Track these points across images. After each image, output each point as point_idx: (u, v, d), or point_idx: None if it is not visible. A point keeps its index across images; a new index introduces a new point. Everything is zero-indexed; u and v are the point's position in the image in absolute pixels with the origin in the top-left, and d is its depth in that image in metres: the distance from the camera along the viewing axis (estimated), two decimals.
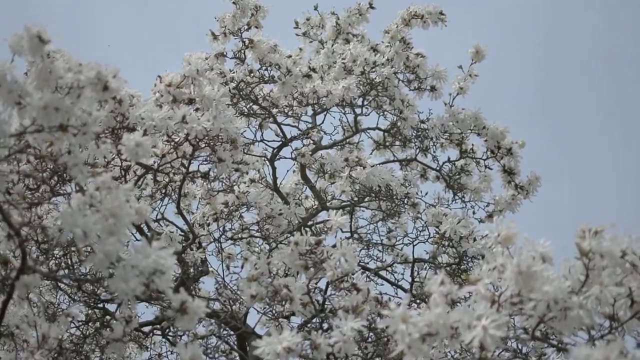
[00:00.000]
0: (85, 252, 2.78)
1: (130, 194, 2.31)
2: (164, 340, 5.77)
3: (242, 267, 3.12)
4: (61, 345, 2.88)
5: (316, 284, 3.34)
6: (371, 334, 3.29)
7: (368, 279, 5.09)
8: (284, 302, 2.99)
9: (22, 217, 2.47)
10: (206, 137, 3.29)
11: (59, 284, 4.96)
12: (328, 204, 5.38)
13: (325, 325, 3.26)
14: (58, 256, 3.50)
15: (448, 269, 5.17)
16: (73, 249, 3.48)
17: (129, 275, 2.13)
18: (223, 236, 5.23)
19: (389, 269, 5.91)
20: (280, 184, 5.59)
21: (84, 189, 2.43)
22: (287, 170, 5.95)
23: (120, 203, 2.23)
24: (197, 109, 3.33)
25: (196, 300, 2.32)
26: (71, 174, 2.41)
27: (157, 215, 5.42)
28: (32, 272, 2.31)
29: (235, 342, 4.28)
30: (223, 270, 5.23)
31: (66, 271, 3.39)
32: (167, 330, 5.60)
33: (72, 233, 2.11)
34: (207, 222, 5.03)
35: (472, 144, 5.77)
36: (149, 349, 5.46)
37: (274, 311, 3.16)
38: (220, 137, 3.35)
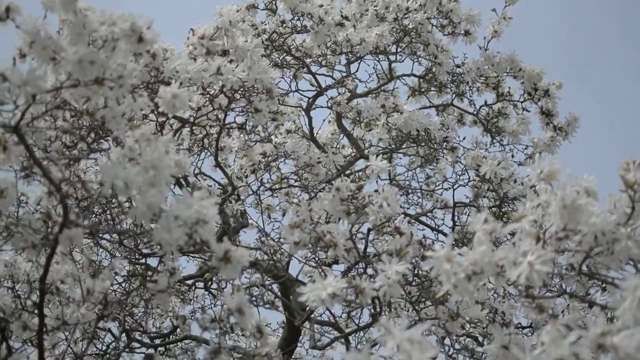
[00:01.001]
0: (127, 206, 2.79)
1: (169, 145, 2.30)
2: (206, 293, 5.81)
3: (283, 215, 3.12)
4: (106, 299, 2.89)
5: (358, 230, 3.33)
6: (415, 277, 3.28)
7: (409, 224, 5.07)
8: (327, 249, 2.98)
9: (62, 173, 2.48)
10: (241, 88, 3.27)
11: (100, 241, 5.00)
12: (366, 152, 5.36)
13: (369, 271, 3.26)
14: (98, 213, 3.52)
15: (489, 211, 5.15)
16: (114, 204, 3.50)
17: (172, 226, 2.13)
18: (262, 187, 5.24)
19: (429, 214, 5.90)
20: (317, 133, 5.58)
21: (123, 142, 2.43)
22: (323, 120, 5.94)
23: (159, 155, 2.23)
24: (231, 61, 3.32)
25: (239, 249, 2.32)
26: (109, 127, 2.41)
27: (194, 170, 5.43)
28: (74, 226, 2.31)
29: (279, 291, 4.30)
30: (263, 222, 5.25)
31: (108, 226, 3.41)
32: (210, 283, 5.64)
33: (113, 186, 2.11)
34: (245, 174, 5.03)
35: (509, 87, 5.73)
36: (191, 302, 5.50)
37: (317, 258, 3.16)
38: (255, 88, 3.34)
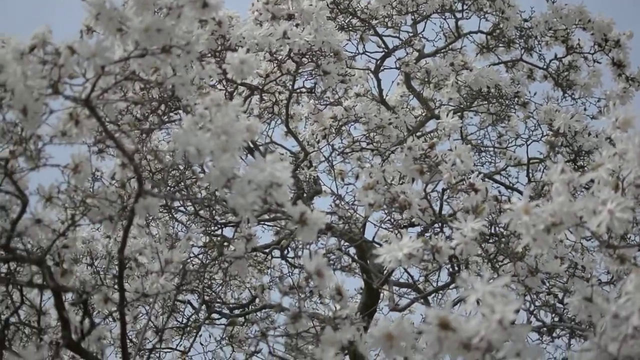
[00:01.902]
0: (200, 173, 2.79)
1: (239, 110, 2.29)
2: (283, 262, 5.83)
3: (356, 178, 3.10)
4: (185, 269, 2.90)
5: (432, 189, 3.30)
6: (492, 234, 3.25)
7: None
8: (401, 209, 2.96)
9: (135, 144, 2.48)
10: (309, 52, 3.26)
11: (175, 214, 5.03)
12: (436, 112, 5.31)
13: (445, 231, 3.23)
14: (172, 185, 3.54)
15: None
16: (187, 176, 3.51)
17: (246, 190, 2.12)
18: (333, 153, 5.22)
19: (503, 172, 5.84)
20: (386, 96, 5.54)
21: (193, 110, 2.42)
22: (392, 82, 5.90)
23: (230, 120, 2.22)
24: (297, 25, 3.30)
25: (315, 211, 2.31)
26: (179, 95, 2.41)
27: (265, 139, 5.44)
28: (149, 196, 2.32)
29: (356, 255, 4.29)
30: (337, 187, 5.24)
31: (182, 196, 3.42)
32: (286, 252, 5.65)
33: (186, 152, 2.10)
34: (317, 139, 5.02)
35: (578, 39, 5.63)
36: (268, 272, 5.51)
37: (392, 220, 3.14)
38: (322, 51, 3.32)
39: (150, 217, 3.30)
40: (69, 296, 3.36)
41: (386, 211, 3.03)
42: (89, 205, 2.75)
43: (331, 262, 2.84)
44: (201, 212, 4.21)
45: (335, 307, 2.62)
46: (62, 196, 2.81)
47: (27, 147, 2.39)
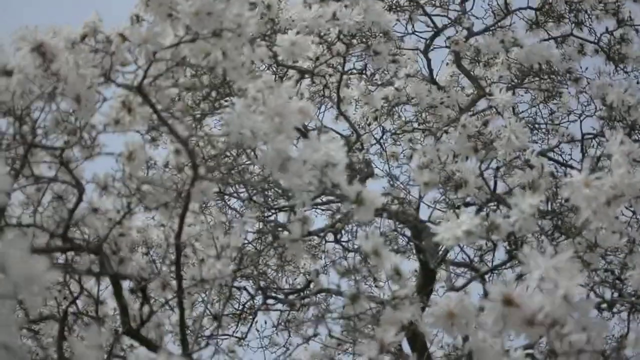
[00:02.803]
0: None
1: (292, 92, 2.28)
2: (336, 247, 5.82)
3: (409, 158, 3.08)
4: (242, 253, 2.90)
5: (487, 167, 3.28)
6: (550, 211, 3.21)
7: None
8: (457, 188, 2.93)
9: (188, 130, 2.48)
10: (359, 32, 3.24)
11: (228, 201, 5.03)
12: (487, 90, 5.27)
13: (501, 209, 3.20)
14: (225, 171, 3.54)
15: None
16: (240, 162, 3.51)
17: (302, 170, 2.11)
18: (385, 135, 5.21)
19: (556, 149, 5.78)
20: (436, 76, 5.51)
21: (245, 93, 2.42)
22: (442, 62, 5.86)
23: (283, 101, 2.21)
24: (345, 6, 3.28)
25: (371, 190, 2.30)
26: (231, 78, 2.40)
27: (316, 123, 5.43)
28: (205, 180, 2.32)
29: (410, 235, 4.27)
30: (389, 168, 5.22)
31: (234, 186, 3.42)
32: (340, 236, 5.64)
33: (240, 135, 2.10)
34: (368, 122, 5.01)
35: (629, 11, 5.54)
36: (322, 257, 5.50)
37: (446, 199, 3.11)
38: (372, 31, 3.29)
39: (204, 204, 3.31)
40: (125, 284, 3.37)
41: (441, 190, 3.01)
42: (144, 193, 2.75)
43: (387, 242, 2.82)
44: (254, 197, 4.22)
45: (393, 288, 2.60)
46: (117, 184, 2.82)
47: (82, 136, 2.40)
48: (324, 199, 4.76)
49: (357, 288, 2.48)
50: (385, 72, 3.44)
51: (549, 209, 3.20)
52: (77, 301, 3.09)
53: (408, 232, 4.24)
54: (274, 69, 3.41)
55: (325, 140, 2.17)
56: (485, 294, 3.54)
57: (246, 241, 4.00)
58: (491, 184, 3.44)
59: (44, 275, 1.25)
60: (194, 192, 2.33)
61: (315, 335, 2.84)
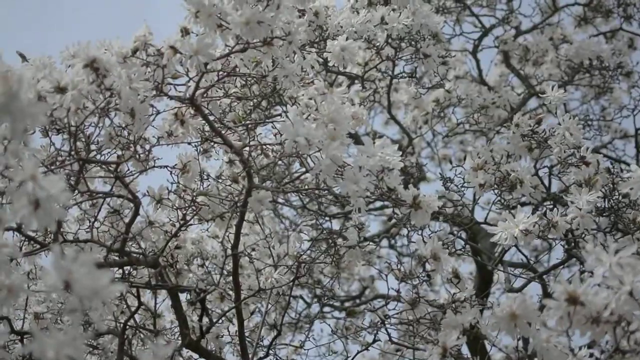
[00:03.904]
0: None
1: (344, 97, 2.28)
2: (390, 252, 5.82)
3: (464, 159, 3.06)
4: (299, 261, 2.90)
5: (542, 166, 3.25)
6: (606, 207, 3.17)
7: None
8: (512, 188, 2.91)
9: (241, 139, 2.49)
10: (407, 36, 3.22)
11: (281, 211, 5.04)
12: (537, 88, 5.23)
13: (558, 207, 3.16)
14: (279, 180, 3.54)
15: None
16: (292, 170, 3.51)
17: (358, 177, 2.11)
18: (435, 137, 5.19)
19: (609, 146, 5.73)
20: (486, 76, 5.48)
21: (297, 101, 2.42)
22: (490, 62, 5.83)
23: (336, 107, 2.21)
24: (393, 10, 3.26)
25: (427, 194, 2.29)
26: (283, 86, 2.40)
27: (366, 129, 5.42)
28: (260, 189, 2.33)
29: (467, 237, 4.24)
30: (442, 171, 5.20)
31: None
32: (394, 241, 5.63)
33: (295, 143, 2.09)
34: (418, 126, 4.99)
35: None
36: (377, 263, 5.49)
37: (502, 200, 3.09)
38: (421, 34, 3.27)
39: (258, 215, 3.31)
40: (182, 297, 3.38)
41: (496, 191, 2.98)
42: (199, 205, 2.76)
43: (444, 246, 2.80)
44: (307, 205, 4.21)
45: (452, 291, 2.59)
46: (172, 197, 2.83)
47: (136, 150, 2.41)
48: (378, 204, 4.76)
49: (416, 292, 2.47)
50: (436, 74, 3.41)
51: (606, 205, 3.15)
52: (135, 315, 3.10)
53: (463, 235, 4.22)
54: (324, 76, 3.41)
55: (380, 146, 2.17)
56: (545, 295, 3.50)
57: (302, 250, 4.00)
58: (546, 182, 3.41)
59: (108, 288, 1.25)
60: (251, 201, 2.33)
61: (374, 341, 2.83)
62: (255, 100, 2.88)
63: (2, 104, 1.26)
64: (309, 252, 3.22)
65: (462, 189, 3.26)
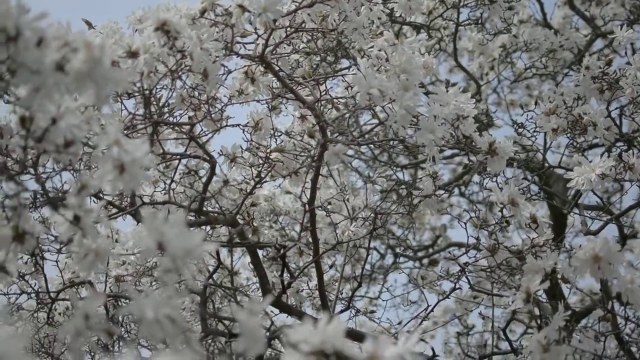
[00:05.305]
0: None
1: (415, 47, 2.27)
2: (461, 200, 5.80)
3: (535, 104, 3.03)
4: (375, 213, 2.90)
5: (614, 108, 3.21)
6: None
7: None
8: (585, 131, 2.87)
9: (313, 94, 2.49)
10: None
11: (350, 163, 5.04)
12: (602, 29, 5.16)
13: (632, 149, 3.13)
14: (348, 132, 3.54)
15: None
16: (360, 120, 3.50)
17: (434, 125, 2.10)
18: (501, 83, 5.15)
19: None
20: (550, 19, 5.41)
21: (367, 53, 2.41)
22: (554, 4, 5.75)
23: (407, 57, 2.20)
24: None
25: (502, 140, 2.28)
26: (352, 39, 2.40)
27: (430, 78, 5.39)
28: (335, 142, 2.33)
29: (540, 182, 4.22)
30: (510, 116, 5.17)
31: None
32: (465, 190, 5.61)
33: (369, 95, 2.09)
34: (485, 72, 4.96)
35: None
36: (448, 211, 5.48)
37: (574, 143, 3.05)
38: None
39: (330, 169, 3.32)
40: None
41: (569, 135, 2.95)
42: (274, 161, 2.77)
43: (520, 191, 2.78)
44: (378, 157, 4.22)
45: (528, 237, 2.57)
46: (246, 155, 2.85)
47: (209, 110, 2.42)
48: (447, 152, 4.74)
49: (495, 239, 2.46)
50: (502, 19, 3.38)
51: None
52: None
53: (536, 180, 4.19)
54: (389, 26, 3.39)
55: (453, 94, 2.16)
56: (622, 236, 3.47)
57: (378, 201, 4.01)
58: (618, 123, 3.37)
59: (200, 247, 1.27)
60: (328, 155, 2.34)
61: (454, 289, 2.82)
62: (321, 55, 2.88)
63: (87, 71, 1.28)
64: (383, 203, 3.22)
65: (535, 133, 3.23)
